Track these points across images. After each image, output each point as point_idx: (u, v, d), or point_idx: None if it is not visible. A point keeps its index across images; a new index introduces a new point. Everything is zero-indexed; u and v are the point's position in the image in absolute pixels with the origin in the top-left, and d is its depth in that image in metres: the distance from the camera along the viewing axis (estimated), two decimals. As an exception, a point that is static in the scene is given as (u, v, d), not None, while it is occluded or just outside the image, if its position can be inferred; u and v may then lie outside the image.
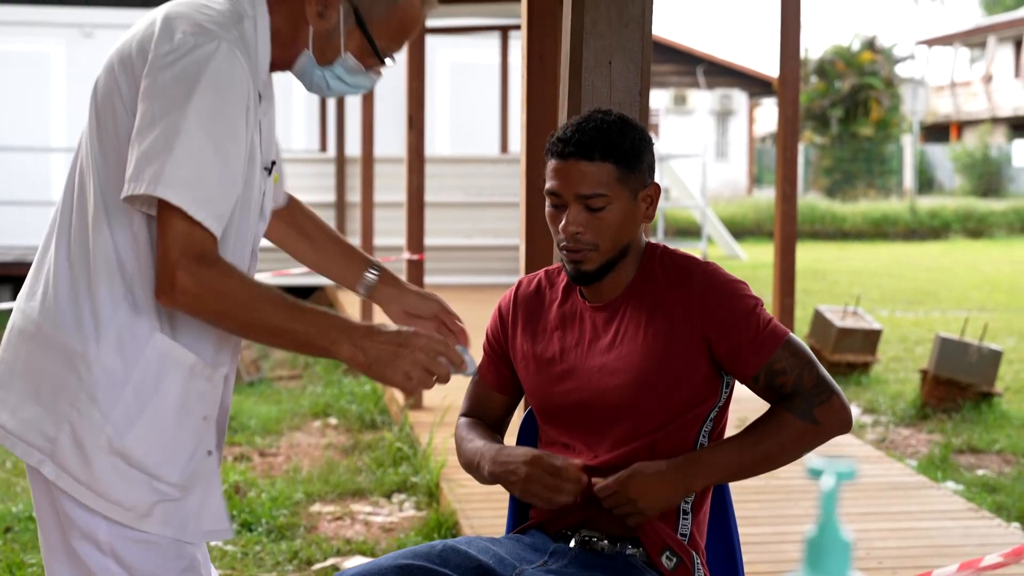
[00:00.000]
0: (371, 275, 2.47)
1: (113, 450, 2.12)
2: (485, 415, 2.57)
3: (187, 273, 2.03)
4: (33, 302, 2.20)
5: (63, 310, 2.15)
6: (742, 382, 2.36)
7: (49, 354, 2.15)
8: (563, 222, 2.32)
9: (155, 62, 2.08)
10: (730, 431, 2.42)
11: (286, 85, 6.79)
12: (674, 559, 2.34)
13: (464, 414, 2.59)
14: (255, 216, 2.23)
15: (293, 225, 2.52)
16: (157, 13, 2.16)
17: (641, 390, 2.34)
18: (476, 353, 2.31)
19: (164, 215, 2.04)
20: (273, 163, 2.28)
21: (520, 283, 2.56)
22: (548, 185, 2.35)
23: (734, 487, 2.57)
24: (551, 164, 2.34)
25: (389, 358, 2.09)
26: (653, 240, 2.46)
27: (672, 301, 2.35)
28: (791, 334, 2.35)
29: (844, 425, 2.33)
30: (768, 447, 2.32)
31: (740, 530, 2.57)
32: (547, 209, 2.38)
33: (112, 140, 2.14)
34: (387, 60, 2.22)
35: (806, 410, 2.30)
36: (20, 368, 2.18)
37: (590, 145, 2.29)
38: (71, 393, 2.12)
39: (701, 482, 2.33)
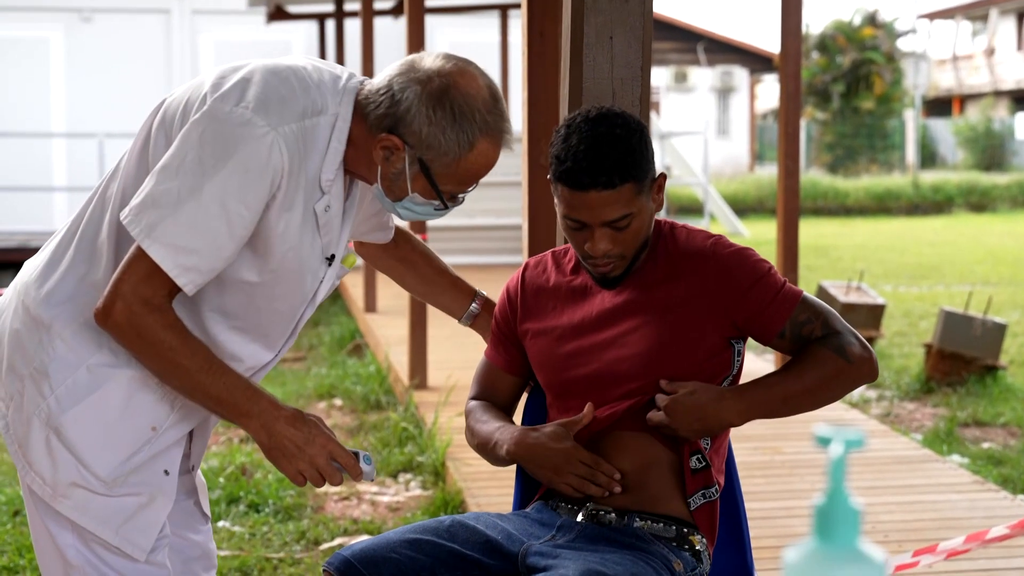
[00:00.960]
0: (474, 307, 2.63)
1: (49, 424, 2.20)
2: (495, 397, 2.57)
3: (126, 309, 2.11)
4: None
5: (51, 285, 2.23)
6: (767, 343, 2.38)
7: (26, 322, 2.23)
8: (589, 243, 2.31)
9: (211, 110, 2.11)
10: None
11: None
12: (704, 463, 2.38)
13: (473, 397, 2.59)
14: (304, 300, 2.29)
15: (399, 258, 2.64)
16: (252, 66, 2.19)
17: (652, 363, 2.35)
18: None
19: (140, 251, 2.10)
20: (332, 256, 2.30)
21: (527, 265, 2.57)
22: (567, 212, 2.30)
23: (740, 463, 2.57)
24: (565, 193, 2.29)
25: (289, 451, 2.18)
26: (658, 217, 2.46)
27: (682, 275, 2.37)
28: (806, 292, 2.38)
29: (873, 370, 2.36)
30: (810, 380, 2.33)
31: (747, 505, 2.58)
32: (563, 227, 2.35)
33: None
34: (450, 202, 2.23)
35: (840, 347, 2.33)
36: (6, 336, 2.27)
37: (608, 172, 2.25)
38: (30, 359, 2.21)
39: (744, 416, 2.34)
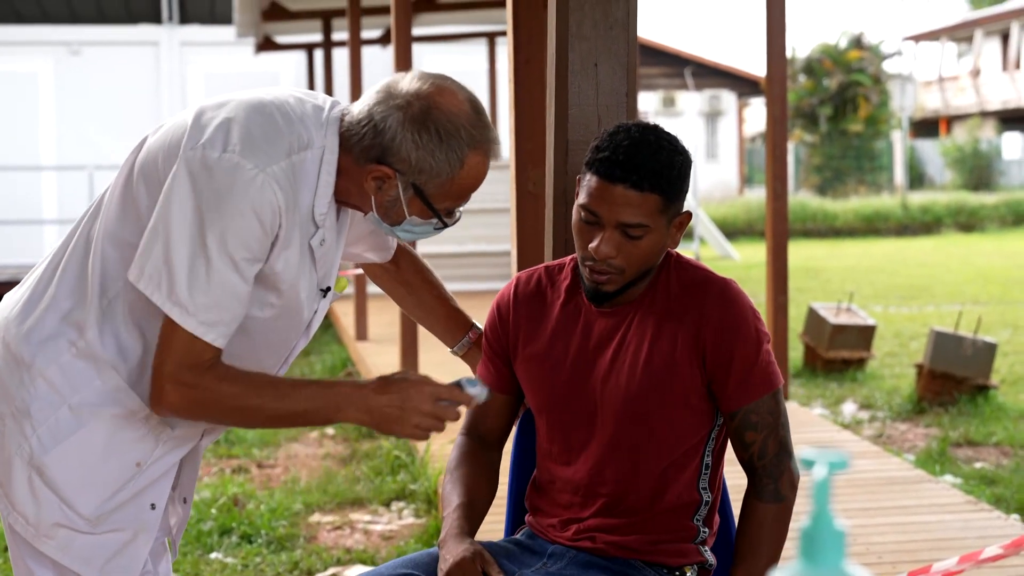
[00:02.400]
0: (467, 340, 2.62)
1: (32, 463, 2.17)
2: (485, 421, 2.51)
3: (176, 389, 2.10)
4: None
5: (32, 323, 2.20)
6: (720, 412, 2.35)
7: (7, 359, 2.21)
8: (595, 242, 2.24)
9: (199, 158, 2.08)
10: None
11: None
12: (695, 570, 2.39)
13: (464, 431, 2.53)
14: (299, 332, 2.29)
15: (400, 281, 2.64)
16: (234, 103, 2.16)
17: (641, 402, 2.31)
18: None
19: (169, 324, 2.09)
20: (328, 288, 2.31)
21: (518, 280, 2.49)
22: (585, 201, 2.25)
23: (731, 485, 2.57)
24: (593, 181, 2.24)
25: (396, 415, 2.14)
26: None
27: (682, 314, 2.31)
28: (780, 388, 2.33)
29: (797, 490, 2.37)
30: (768, 551, 2.32)
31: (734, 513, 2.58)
32: (576, 220, 2.29)
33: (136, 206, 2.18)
34: (449, 219, 2.22)
35: (774, 490, 2.32)
36: None
37: (641, 173, 2.20)
38: (11, 398, 2.19)
39: None
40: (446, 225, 2.22)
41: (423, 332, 7.94)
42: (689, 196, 20.45)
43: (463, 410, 2.24)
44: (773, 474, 2.32)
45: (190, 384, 2.09)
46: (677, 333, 2.30)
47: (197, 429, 2.28)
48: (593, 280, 2.29)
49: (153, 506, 2.25)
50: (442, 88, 2.15)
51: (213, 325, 2.08)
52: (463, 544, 2.27)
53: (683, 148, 2.29)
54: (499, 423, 2.53)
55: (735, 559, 2.35)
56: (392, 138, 2.12)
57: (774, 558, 2.34)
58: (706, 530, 2.40)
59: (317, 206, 2.16)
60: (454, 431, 2.58)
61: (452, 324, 2.64)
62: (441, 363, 7.71)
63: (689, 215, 2.33)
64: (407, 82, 2.15)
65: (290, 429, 7.26)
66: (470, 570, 2.22)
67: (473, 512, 2.38)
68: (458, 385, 2.18)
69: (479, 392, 2.19)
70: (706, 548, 2.40)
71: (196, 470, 2.40)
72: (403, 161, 2.12)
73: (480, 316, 2.72)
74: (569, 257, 2.49)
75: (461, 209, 2.23)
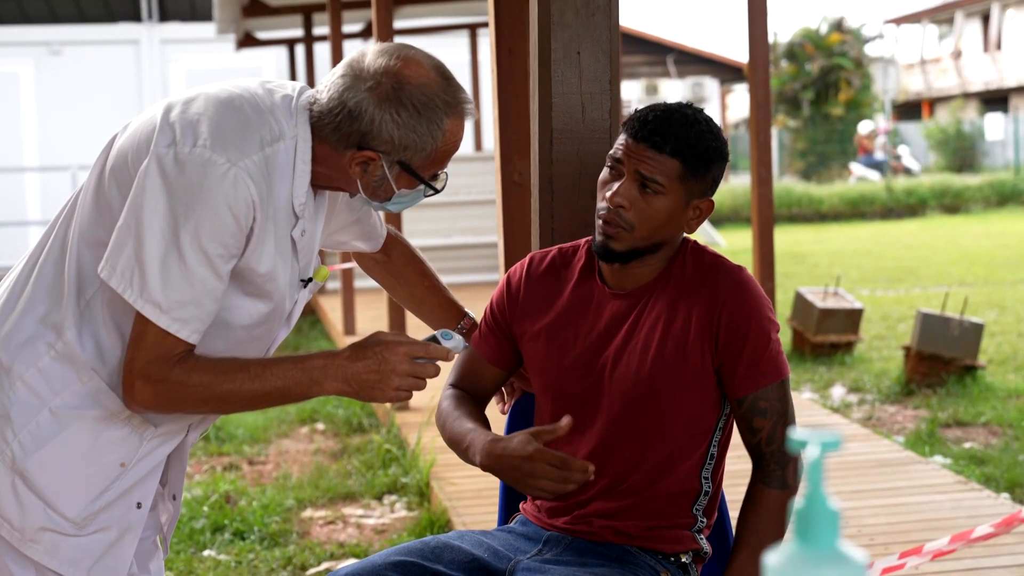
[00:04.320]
0: (461, 328, 2.60)
1: (14, 468, 2.14)
2: (475, 387, 2.53)
3: (146, 384, 2.08)
4: None
5: (9, 327, 2.18)
6: (728, 398, 2.36)
7: None
8: (611, 190, 2.29)
9: (170, 155, 2.07)
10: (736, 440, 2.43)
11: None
12: (690, 556, 2.39)
13: (452, 384, 2.55)
14: (279, 324, 2.27)
15: (392, 272, 2.64)
16: (203, 98, 2.14)
17: (650, 387, 2.32)
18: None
19: (141, 321, 2.08)
20: (309, 279, 2.29)
21: (532, 259, 2.50)
22: (612, 151, 2.32)
23: (725, 471, 2.57)
24: (621, 138, 2.31)
25: (375, 380, 2.12)
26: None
27: (697, 299, 2.32)
28: (788, 377, 2.35)
29: (788, 506, 2.37)
30: (770, 538, 2.33)
31: (731, 514, 2.58)
32: (602, 174, 2.35)
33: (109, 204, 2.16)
34: (436, 183, 2.22)
35: (781, 477, 2.33)
36: None
37: (664, 136, 2.26)
38: None
39: None
40: (436, 191, 2.22)
41: (411, 325, 7.94)
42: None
43: (443, 364, 2.22)
44: (781, 461, 2.33)
45: (160, 379, 2.08)
46: (691, 318, 2.31)
47: (182, 425, 2.26)
48: (604, 232, 2.31)
49: (139, 505, 2.23)
50: (408, 60, 2.14)
51: (186, 322, 2.07)
52: (502, 438, 2.29)
53: (720, 134, 2.32)
54: (486, 391, 2.55)
55: (736, 543, 2.36)
56: (370, 121, 2.10)
57: (779, 538, 2.34)
58: (704, 520, 2.41)
59: (295, 197, 2.15)
60: (435, 387, 2.56)
61: (444, 314, 2.63)
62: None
63: (711, 204, 2.35)
64: (371, 59, 2.13)
65: (281, 426, 7.25)
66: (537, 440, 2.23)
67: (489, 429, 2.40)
68: (433, 340, 2.18)
69: (455, 344, 2.19)
70: (702, 537, 2.41)
71: (184, 466, 2.38)
72: (386, 142, 2.12)
73: (470, 309, 2.72)
74: (584, 240, 2.49)
75: (447, 172, 2.22)
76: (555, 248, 2.51)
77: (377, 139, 2.11)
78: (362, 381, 2.12)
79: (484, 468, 2.32)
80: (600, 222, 2.31)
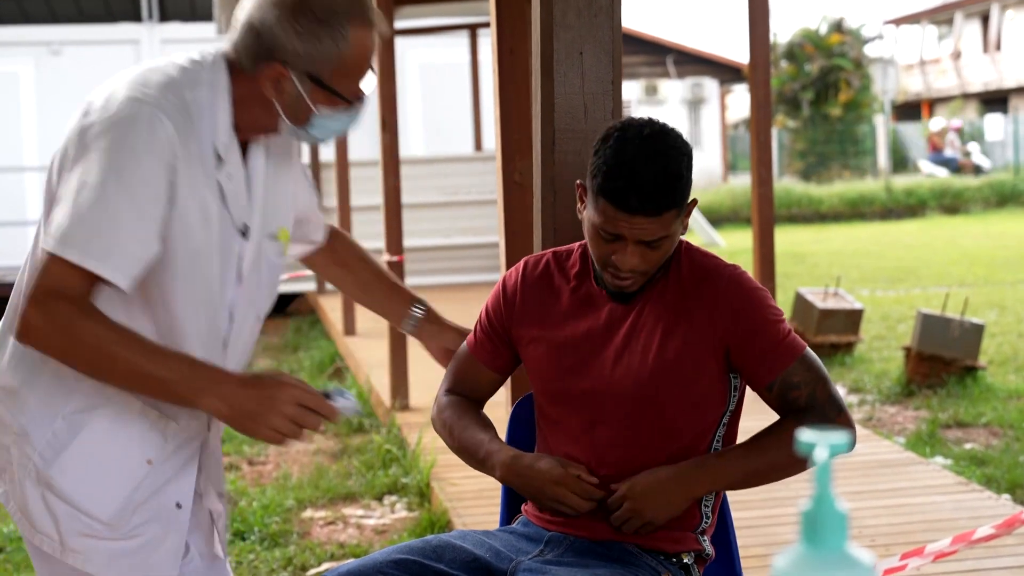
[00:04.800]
0: (416, 312, 2.57)
1: (40, 480, 2.15)
2: (471, 391, 2.53)
3: (39, 309, 2.04)
4: None
5: (8, 354, 2.20)
6: (755, 390, 2.36)
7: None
8: (618, 255, 2.26)
9: (91, 114, 2.11)
10: (741, 437, 2.42)
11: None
12: (692, 557, 2.38)
13: (449, 390, 2.54)
14: (229, 281, 2.22)
15: (338, 263, 2.61)
16: (122, 72, 2.20)
17: (652, 388, 2.32)
18: None
19: (48, 257, 2.05)
20: (247, 226, 2.25)
21: (527, 263, 2.50)
22: (604, 225, 2.25)
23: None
24: (608, 209, 2.23)
25: (254, 412, 2.08)
26: None
27: (694, 303, 2.33)
28: (808, 348, 2.34)
29: (851, 443, 2.33)
30: (776, 456, 2.32)
31: (733, 515, 2.58)
32: (591, 232, 2.29)
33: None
34: (356, 100, 2.21)
35: (818, 424, 2.31)
36: None
37: (658, 202, 2.22)
38: (9, 427, 2.18)
39: (705, 488, 2.34)
40: (356, 109, 2.21)
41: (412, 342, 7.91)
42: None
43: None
44: (822, 412, 2.32)
45: (51, 310, 2.03)
46: (691, 319, 2.32)
47: (201, 421, 2.26)
48: (617, 285, 2.32)
49: (179, 505, 2.22)
50: None
51: (105, 259, 2.03)
52: (527, 456, 2.33)
53: (686, 147, 2.29)
54: (482, 395, 2.55)
55: (749, 439, 2.35)
56: (273, 34, 2.12)
57: (773, 466, 2.33)
58: (708, 519, 2.40)
59: (218, 138, 2.16)
60: (429, 385, 2.56)
61: (395, 298, 2.60)
62: (430, 357, 7.72)
63: (695, 201, 2.34)
64: None
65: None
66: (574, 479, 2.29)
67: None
68: (328, 395, 2.14)
69: (348, 406, 2.15)
70: (705, 538, 2.41)
71: (219, 464, 2.37)
72: (290, 53, 2.12)
73: (470, 308, 2.71)
74: (577, 243, 2.49)
75: (368, 92, 2.21)
76: (549, 252, 2.51)
77: (282, 52, 2.12)
78: (243, 410, 2.08)
79: (503, 482, 2.39)
80: (609, 276, 2.32)
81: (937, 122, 30.61)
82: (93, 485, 2.16)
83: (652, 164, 2.22)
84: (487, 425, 2.47)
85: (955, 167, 28.86)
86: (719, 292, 2.32)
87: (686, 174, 2.26)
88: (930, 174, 28.60)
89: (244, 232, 2.23)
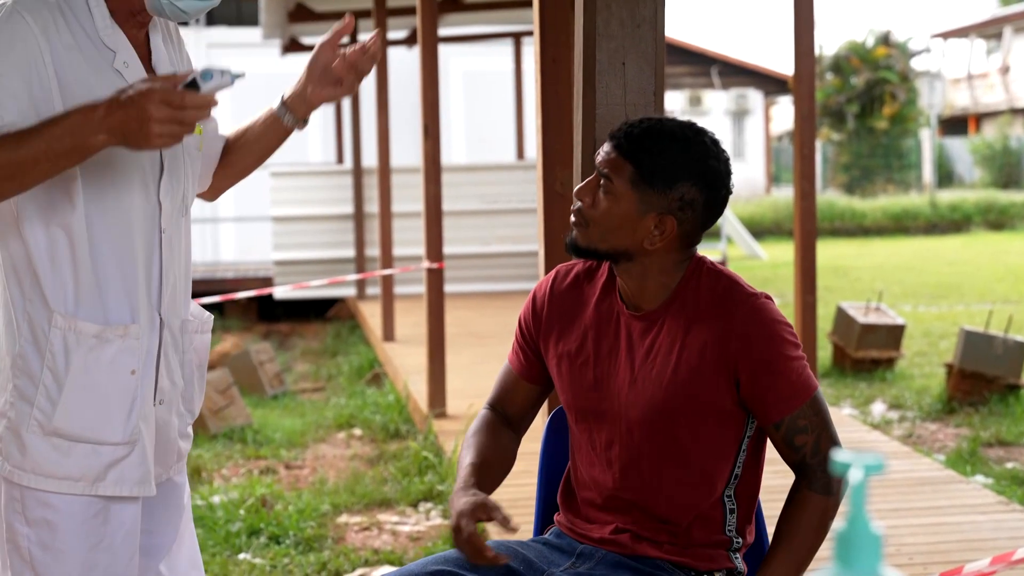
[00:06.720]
0: (279, 109, 2.48)
1: (47, 432, 2.22)
2: (510, 405, 2.53)
3: None
4: None
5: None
6: (761, 425, 2.34)
7: None
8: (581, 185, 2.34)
9: None
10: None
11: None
12: (724, 574, 2.37)
13: (489, 404, 2.55)
14: (136, 189, 2.25)
15: (232, 164, 2.57)
16: None
17: (667, 411, 2.30)
18: None
19: None
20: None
21: (557, 273, 2.50)
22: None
23: (762, 487, 2.55)
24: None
25: (137, 129, 2.08)
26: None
27: (710, 327, 2.28)
28: (819, 389, 2.32)
29: (839, 500, 2.35)
30: (813, 539, 2.31)
31: (769, 530, 2.56)
32: None
33: None
34: None
35: (827, 483, 2.30)
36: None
37: (628, 139, 2.28)
38: (9, 405, 2.24)
39: None
40: None
41: (451, 334, 7.94)
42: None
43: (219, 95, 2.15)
44: (826, 467, 2.31)
45: None
46: (705, 346, 2.28)
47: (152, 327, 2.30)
48: (572, 223, 2.35)
49: (161, 401, 2.32)
50: None
51: None
52: (467, 495, 2.29)
53: (703, 159, 2.27)
54: (523, 408, 2.54)
55: (774, 542, 2.33)
56: None
57: (813, 549, 2.32)
58: (739, 540, 2.38)
59: (100, 30, 2.21)
60: (475, 396, 2.56)
61: (266, 124, 2.52)
62: (468, 365, 7.74)
63: (674, 226, 2.28)
64: None
65: (319, 431, 7.26)
66: (472, 519, 2.23)
67: (484, 471, 2.40)
68: (192, 84, 2.11)
69: (218, 84, 2.11)
70: (737, 556, 2.39)
71: (175, 378, 2.38)
72: None
73: (507, 317, 2.71)
74: None
75: None
76: (580, 261, 2.49)
77: None
78: (127, 131, 2.09)
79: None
80: (571, 215, 2.37)
81: None
82: (99, 415, 2.23)
83: (654, 125, 2.30)
84: (485, 449, 2.45)
85: None
86: (735, 322, 2.27)
87: (671, 159, 2.26)
88: None
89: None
